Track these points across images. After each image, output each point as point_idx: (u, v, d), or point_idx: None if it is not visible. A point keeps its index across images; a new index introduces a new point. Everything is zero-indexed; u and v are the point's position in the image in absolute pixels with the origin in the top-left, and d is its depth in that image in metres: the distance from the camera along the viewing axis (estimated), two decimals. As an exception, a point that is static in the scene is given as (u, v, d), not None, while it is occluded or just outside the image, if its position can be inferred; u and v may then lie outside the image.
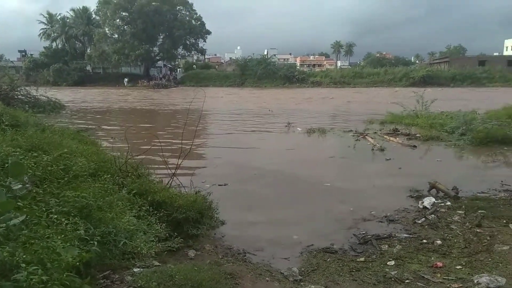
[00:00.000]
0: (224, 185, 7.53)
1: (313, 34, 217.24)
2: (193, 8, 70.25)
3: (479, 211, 5.52)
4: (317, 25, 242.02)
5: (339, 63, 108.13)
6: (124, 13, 64.34)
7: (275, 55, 79.44)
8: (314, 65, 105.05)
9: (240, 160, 10.11)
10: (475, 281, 3.56)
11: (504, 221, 5.15)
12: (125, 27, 65.53)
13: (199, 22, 70.50)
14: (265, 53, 79.17)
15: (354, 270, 3.98)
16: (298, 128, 15.21)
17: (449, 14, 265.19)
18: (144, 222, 3.73)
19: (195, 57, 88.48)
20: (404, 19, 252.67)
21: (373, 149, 11.03)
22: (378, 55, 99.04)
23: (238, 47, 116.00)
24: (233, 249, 4.59)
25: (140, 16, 62.40)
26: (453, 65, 68.96)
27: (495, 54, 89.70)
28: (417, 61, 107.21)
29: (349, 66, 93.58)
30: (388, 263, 4.09)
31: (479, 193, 6.79)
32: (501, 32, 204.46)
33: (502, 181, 7.64)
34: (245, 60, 70.89)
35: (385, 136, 12.99)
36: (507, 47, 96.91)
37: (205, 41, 72.58)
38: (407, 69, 68.02)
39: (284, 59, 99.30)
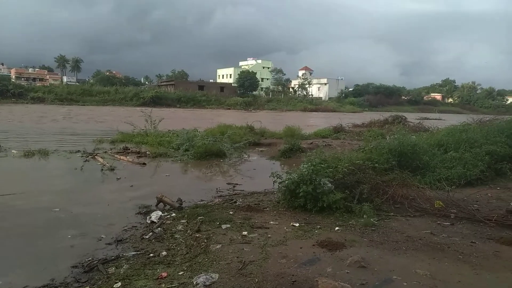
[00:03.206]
0: None
1: (33, 45, 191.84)
2: None
3: (198, 218, 6.17)
4: (38, 36, 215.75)
5: (65, 79, 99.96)
6: None
7: (-22, 63, 65.56)
8: (34, 79, 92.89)
9: None
10: (194, 282, 3.90)
11: (218, 223, 5.94)
12: None
13: None
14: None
15: (76, 303, 3.62)
16: (13, 151, 12.94)
17: (171, 42, 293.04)
18: None
19: None
20: (133, 41, 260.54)
21: (102, 169, 10.64)
22: (108, 73, 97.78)
23: None
24: None
25: None
26: (178, 88, 76.44)
27: (211, 80, 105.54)
28: (146, 82, 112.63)
29: (77, 83, 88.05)
30: (114, 286, 3.94)
31: (199, 201, 7.63)
32: (213, 62, 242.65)
33: (217, 189, 8.89)
34: None
35: (115, 155, 12.81)
36: (219, 75, 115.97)
37: None
38: (137, 89, 70.44)
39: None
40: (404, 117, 26.36)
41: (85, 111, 43.33)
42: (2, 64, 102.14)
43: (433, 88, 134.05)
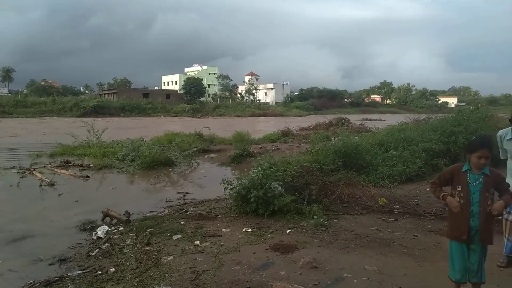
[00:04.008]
0: None
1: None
2: None
3: (148, 230, 5.96)
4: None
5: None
6: None
7: None
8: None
9: None
10: (146, 298, 3.76)
11: (169, 234, 5.78)
12: None
13: None
14: None
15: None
16: None
17: (112, 48, 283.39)
18: None
19: None
20: (70, 48, 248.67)
21: (41, 185, 9.97)
22: (43, 83, 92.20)
23: None
24: None
25: None
26: (121, 96, 73.75)
27: (156, 88, 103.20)
28: (86, 91, 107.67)
29: (9, 94, 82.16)
30: (59, 310, 3.70)
31: (148, 213, 7.38)
32: (157, 68, 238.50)
33: (166, 199, 8.66)
34: None
35: (55, 169, 12.08)
36: (164, 82, 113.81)
37: None
38: (77, 99, 67.10)
39: None
40: (347, 119, 27.49)
41: (19, 123, 40.44)
42: None
43: (372, 90, 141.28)
